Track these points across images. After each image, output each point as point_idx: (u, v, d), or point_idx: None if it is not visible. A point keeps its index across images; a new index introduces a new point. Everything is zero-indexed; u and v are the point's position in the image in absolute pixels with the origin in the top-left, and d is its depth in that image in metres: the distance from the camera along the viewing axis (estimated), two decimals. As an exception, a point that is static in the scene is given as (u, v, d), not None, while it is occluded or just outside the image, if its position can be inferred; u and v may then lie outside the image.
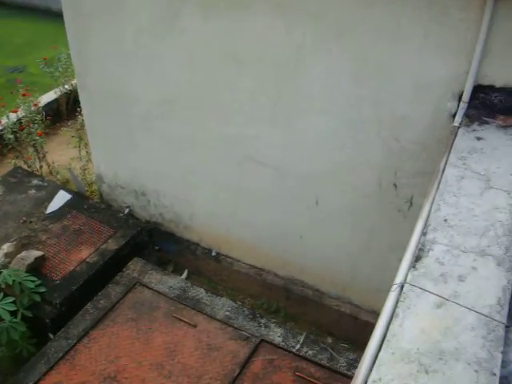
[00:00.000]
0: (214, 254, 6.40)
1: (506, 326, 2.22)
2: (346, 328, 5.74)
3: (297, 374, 4.36)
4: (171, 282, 5.38)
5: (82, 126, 7.18)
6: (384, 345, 2.09)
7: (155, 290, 5.31)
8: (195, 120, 5.46)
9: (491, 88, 3.80)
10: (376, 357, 2.05)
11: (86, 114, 6.50)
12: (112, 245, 5.90)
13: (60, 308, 5.24)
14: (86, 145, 7.59)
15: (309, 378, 4.31)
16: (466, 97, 3.85)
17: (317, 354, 4.50)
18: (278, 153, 5.13)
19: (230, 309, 5.02)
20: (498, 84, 3.76)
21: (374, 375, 1.98)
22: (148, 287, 5.36)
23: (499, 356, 2.09)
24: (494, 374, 2.01)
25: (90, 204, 6.56)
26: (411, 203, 4.65)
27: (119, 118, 6.10)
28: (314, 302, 5.89)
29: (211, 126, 5.38)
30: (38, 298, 5.19)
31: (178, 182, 6.14)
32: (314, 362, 4.45)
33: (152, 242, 6.61)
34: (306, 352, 4.54)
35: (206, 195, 6.01)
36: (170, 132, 5.75)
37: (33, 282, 5.24)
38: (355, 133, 4.59)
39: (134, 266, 5.62)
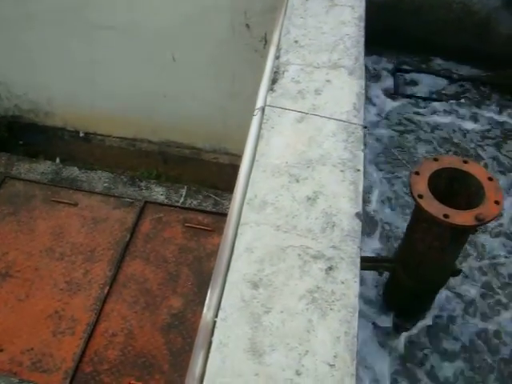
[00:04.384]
0: (82, 134, 6.18)
1: (364, 127, 2.36)
2: (227, 179, 5.85)
3: (186, 225, 4.50)
4: (42, 168, 5.22)
5: None
6: (254, 165, 2.15)
7: (27, 180, 5.14)
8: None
9: None
10: (249, 177, 2.12)
11: None
12: (-31, 149, 5.55)
13: None
14: None
15: (198, 226, 4.47)
16: None
17: (201, 202, 4.64)
18: (124, 14, 4.86)
19: (107, 180, 4.99)
20: None
21: (249, 194, 2.06)
22: (18, 178, 5.17)
23: (361, 154, 2.23)
24: (358, 170, 2.16)
25: None
26: (266, 41, 4.64)
27: None
28: (192, 159, 5.93)
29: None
30: None
31: (26, 66, 5.70)
32: (200, 210, 4.60)
33: (14, 137, 6.25)
34: (190, 203, 4.67)
35: (60, 74, 5.65)
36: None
37: None
38: (197, -23, 4.42)
39: (-2, 162, 5.36)
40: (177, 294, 4.39)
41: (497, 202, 2.19)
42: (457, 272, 2.71)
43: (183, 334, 4.22)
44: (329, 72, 2.60)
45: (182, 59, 5.07)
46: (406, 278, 2.67)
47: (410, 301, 2.81)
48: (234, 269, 1.85)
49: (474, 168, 2.34)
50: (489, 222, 2.17)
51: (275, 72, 2.58)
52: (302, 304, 1.76)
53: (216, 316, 1.77)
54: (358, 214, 2.00)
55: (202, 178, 5.96)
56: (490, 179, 2.27)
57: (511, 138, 3.65)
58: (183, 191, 4.72)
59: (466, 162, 2.36)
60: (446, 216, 2.14)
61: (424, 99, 3.91)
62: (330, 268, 1.85)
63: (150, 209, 4.75)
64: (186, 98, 5.36)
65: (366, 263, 2.70)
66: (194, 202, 4.66)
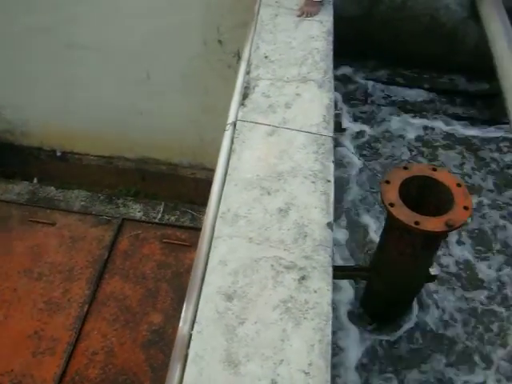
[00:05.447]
0: (59, 154, 6.14)
1: (334, 139, 2.40)
2: (204, 193, 5.83)
3: (164, 241, 4.51)
4: (18, 189, 5.20)
5: None
6: (227, 179, 2.19)
7: (3, 200, 5.11)
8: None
9: None
10: (221, 192, 2.16)
11: None
12: None
13: None
14: None
15: (176, 242, 4.48)
16: None
17: (179, 218, 4.67)
18: (97, 33, 4.88)
19: (84, 198, 4.99)
20: None
21: (222, 208, 2.09)
22: (-5, 200, 5.15)
23: (331, 165, 2.27)
24: (329, 181, 2.20)
25: None
26: (239, 57, 4.68)
27: None
28: (169, 175, 5.92)
29: (18, 18, 4.94)
30: None
31: (-1, 87, 5.69)
32: (178, 225, 4.62)
33: (-11, 158, 6.21)
34: (168, 219, 4.69)
35: (35, 94, 5.63)
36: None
37: None
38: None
39: (-28, 184, 5.33)
40: (157, 310, 4.39)
41: (466, 208, 2.23)
42: (432, 278, 2.75)
43: (164, 350, 4.21)
44: (299, 86, 2.65)
45: (156, 76, 5.09)
46: (381, 285, 2.71)
47: (387, 307, 2.85)
48: (208, 282, 1.88)
49: (442, 175, 2.38)
50: (459, 227, 2.21)
51: (246, 87, 2.62)
52: (275, 314, 1.79)
53: (192, 329, 1.79)
54: (329, 224, 2.03)
55: (179, 193, 5.96)
56: (459, 185, 2.31)
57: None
58: (160, 207, 4.74)
59: (435, 169, 2.41)
60: (416, 223, 2.18)
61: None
62: (303, 278, 1.88)
63: (128, 226, 4.76)
64: (162, 114, 5.38)
65: (342, 272, 2.74)
66: (172, 218, 4.68)
